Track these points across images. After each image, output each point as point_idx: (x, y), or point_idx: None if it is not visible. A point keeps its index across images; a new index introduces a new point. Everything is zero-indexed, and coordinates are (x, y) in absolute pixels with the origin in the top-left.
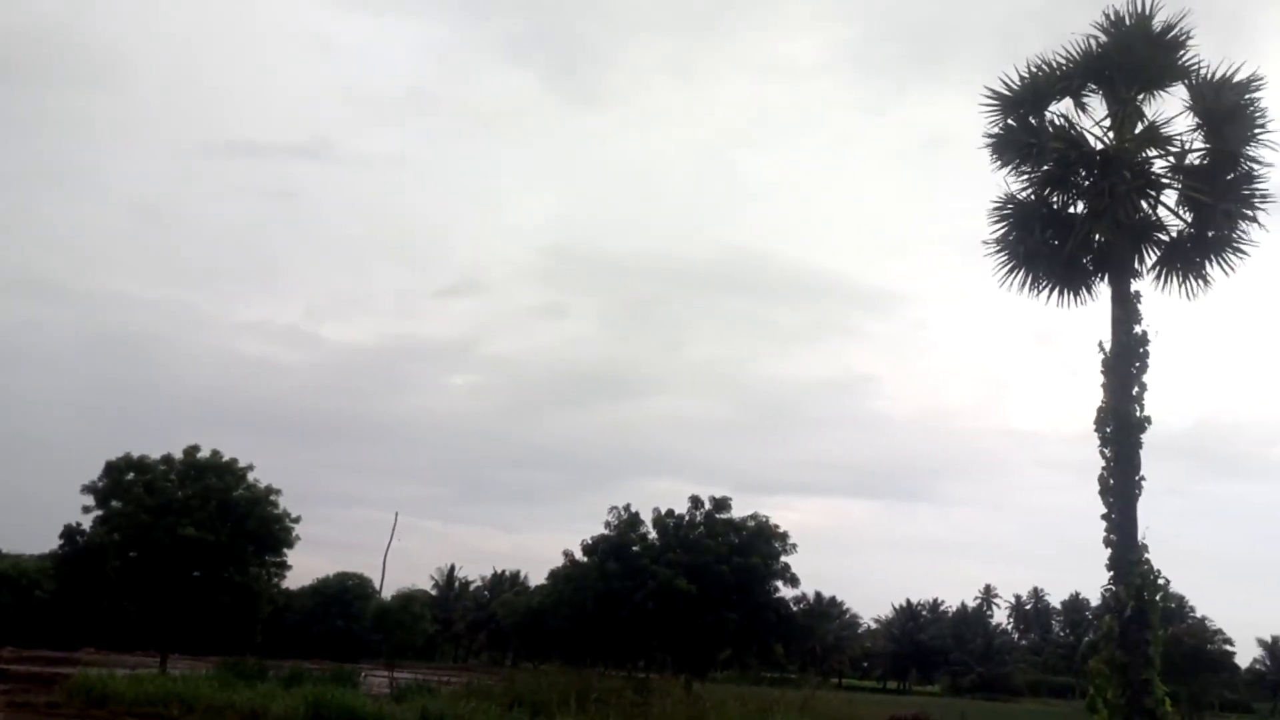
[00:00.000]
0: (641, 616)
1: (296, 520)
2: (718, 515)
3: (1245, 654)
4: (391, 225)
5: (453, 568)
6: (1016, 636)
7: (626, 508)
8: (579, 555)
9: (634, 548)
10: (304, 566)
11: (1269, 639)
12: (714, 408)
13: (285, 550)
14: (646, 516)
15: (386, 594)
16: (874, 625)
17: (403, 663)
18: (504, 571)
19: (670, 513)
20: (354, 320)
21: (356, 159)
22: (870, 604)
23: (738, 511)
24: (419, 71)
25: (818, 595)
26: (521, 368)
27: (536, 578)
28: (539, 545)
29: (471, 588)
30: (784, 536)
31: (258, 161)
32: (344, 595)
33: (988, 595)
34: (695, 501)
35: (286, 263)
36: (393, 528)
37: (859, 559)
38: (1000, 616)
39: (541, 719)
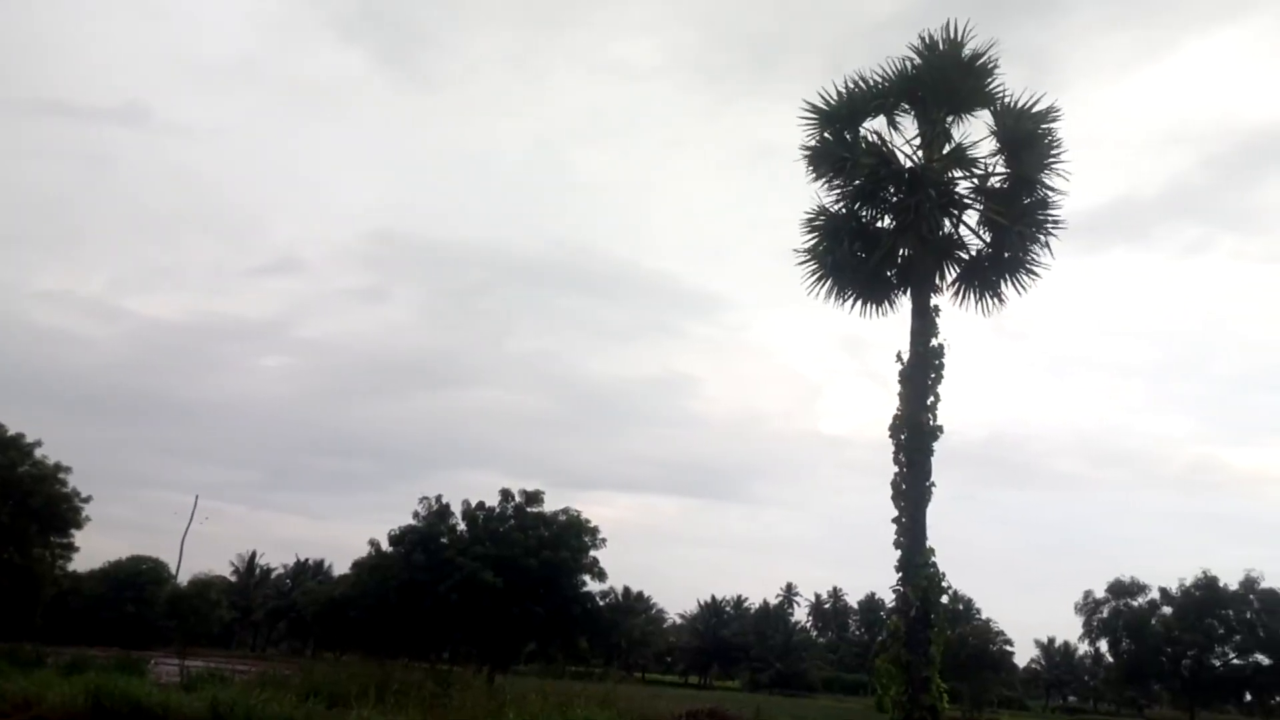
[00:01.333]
0: (446, 608)
1: (87, 500)
2: (529, 509)
3: (1024, 654)
4: (208, 198)
5: (254, 554)
6: (815, 634)
7: (437, 499)
8: (385, 545)
9: (442, 539)
10: (97, 549)
11: (1045, 640)
12: (535, 402)
13: (73, 531)
14: (458, 509)
15: (183, 579)
16: (679, 621)
17: (197, 651)
18: (308, 560)
19: (481, 505)
20: (162, 294)
21: (175, 127)
22: (678, 600)
23: (551, 505)
24: (248, 42)
25: (626, 590)
26: (337, 352)
27: (342, 567)
28: (348, 534)
29: (273, 575)
30: (594, 531)
31: (68, 123)
32: (137, 579)
33: (789, 593)
34: (506, 495)
35: (93, 231)
36: (192, 511)
37: (670, 555)
38: (801, 614)
39: (339, 710)
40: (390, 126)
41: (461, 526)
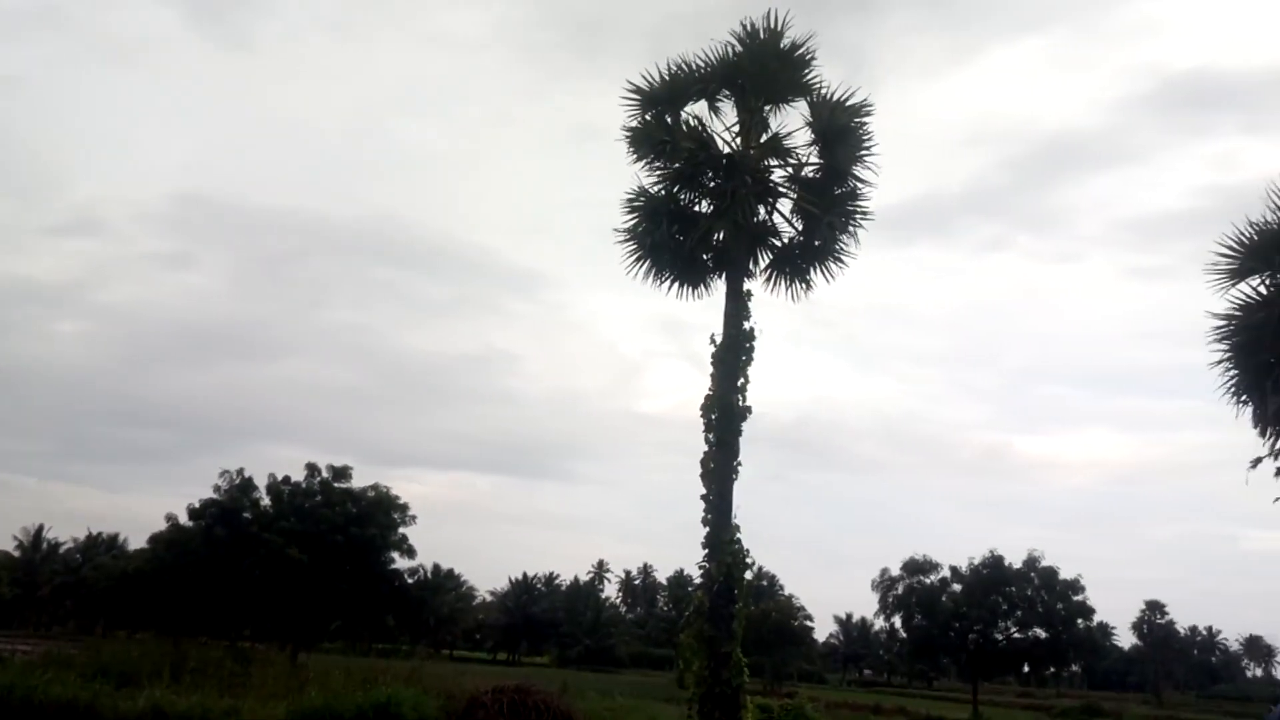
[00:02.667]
0: (248, 585)
1: None
2: (337, 485)
3: (824, 629)
4: (1, 151)
5: (40, 528)
6: (625, 610)
7: (239, 472)
8: (184, 519)
9: (245, 514)
10: None
11: (844, 616)
12: (347, 375)
13: None
14: (263, 483)
15: None
16: (490, 598)
17: None
18: (100, 534)
19: (286, 480)
20: None
21: None
22: (492, 577)
23: (360, 481)
24: None
25: (436, 567)
26: (139, 319)
27: (139, 542)
28: (146, 508)
29: (63, 550)
30: (404, 508)
31: None
32: None
33: (600, 570)
34: (313, 470)
35: None
36: None
37: (484, 533)
38: (611, 591)
39: (129, 690)
40: (203, 86)
41: (266, 501)
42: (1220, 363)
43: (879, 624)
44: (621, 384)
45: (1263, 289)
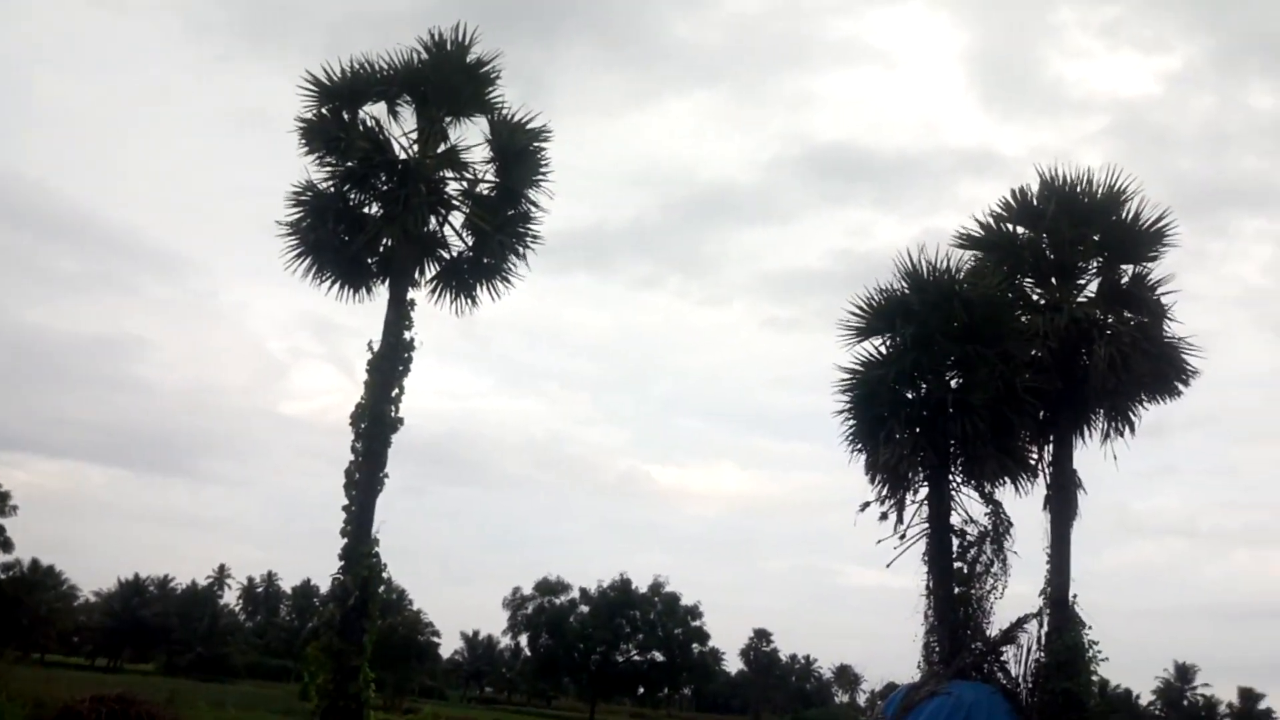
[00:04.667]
0: None
1: None
2: None
3: (451, 645)
4: None
5: None
6: (244, 619)
7: None
8: None
9: None
10: None
11: (471, 633)
12: None
13: None
14: None
15: None
16: (94, 599)
17: None
18: None
19: None
20: None
21: None
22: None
23: None
24: None
25: (35, 563)
26: None
27: None
28: None
29: None
30: (6, 497)
31: None
32: None
33: (222, 575)
34: None
35: None
36: None
37: (97, 528)
38: (232, 598)
39: None
40: None
41: None
42: (842, 412)
43: (505, 641)
44: (265, 383)
45: (884, 348)
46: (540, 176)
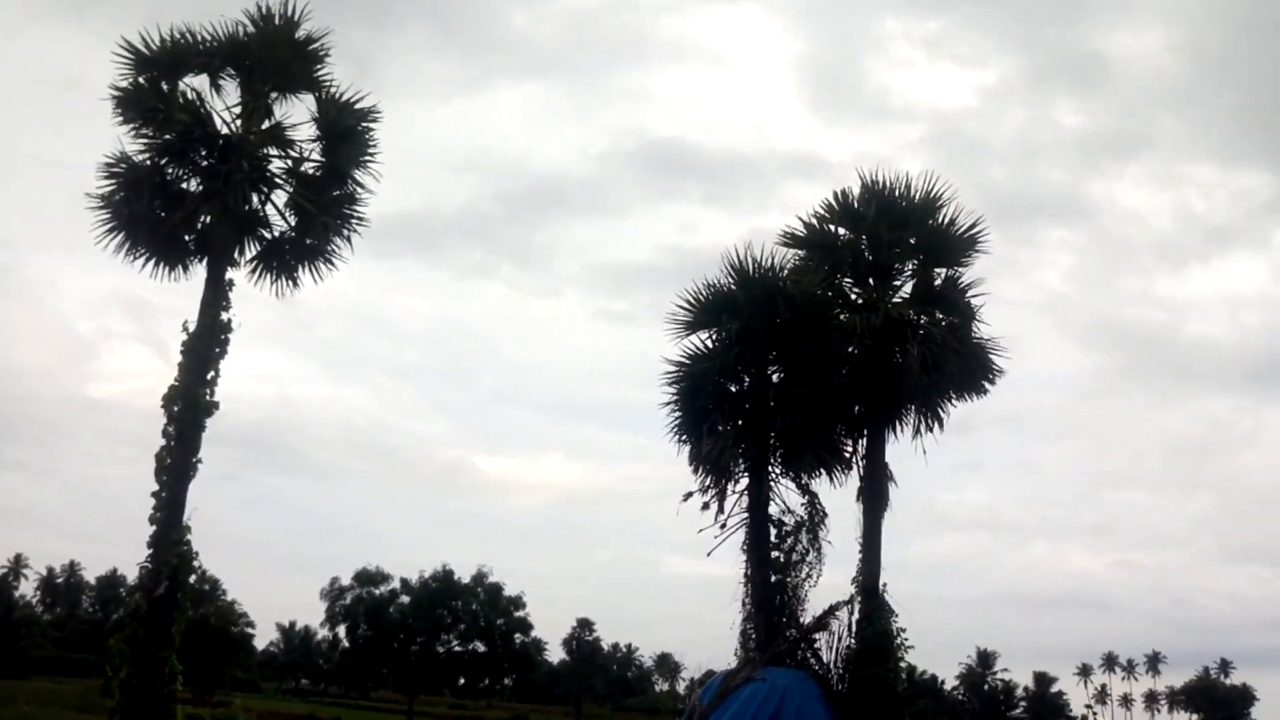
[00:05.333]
0: None
1: None
2: None
3: (267, 636)
4: None
5: None
6: (42, 610)
7: None
8: None
9: None
10: None
11: (287, 624)
12: None
13: None
14: None
15: None
16: None
17: None
18: None
19: None
20: None
21: None
22: None
23: None
24: None
25: None
26: None
27: None
28: None
29: None
30: None
31: None
32: None
33: (17, 565)
34: None
35: None
36: None
37: None
38: (29, 588)
39: None
40: None
41: None
42: (668, 404)
43: (323, 633)
44: (72, 364)
45: (710, 342)
46: (368, 157)
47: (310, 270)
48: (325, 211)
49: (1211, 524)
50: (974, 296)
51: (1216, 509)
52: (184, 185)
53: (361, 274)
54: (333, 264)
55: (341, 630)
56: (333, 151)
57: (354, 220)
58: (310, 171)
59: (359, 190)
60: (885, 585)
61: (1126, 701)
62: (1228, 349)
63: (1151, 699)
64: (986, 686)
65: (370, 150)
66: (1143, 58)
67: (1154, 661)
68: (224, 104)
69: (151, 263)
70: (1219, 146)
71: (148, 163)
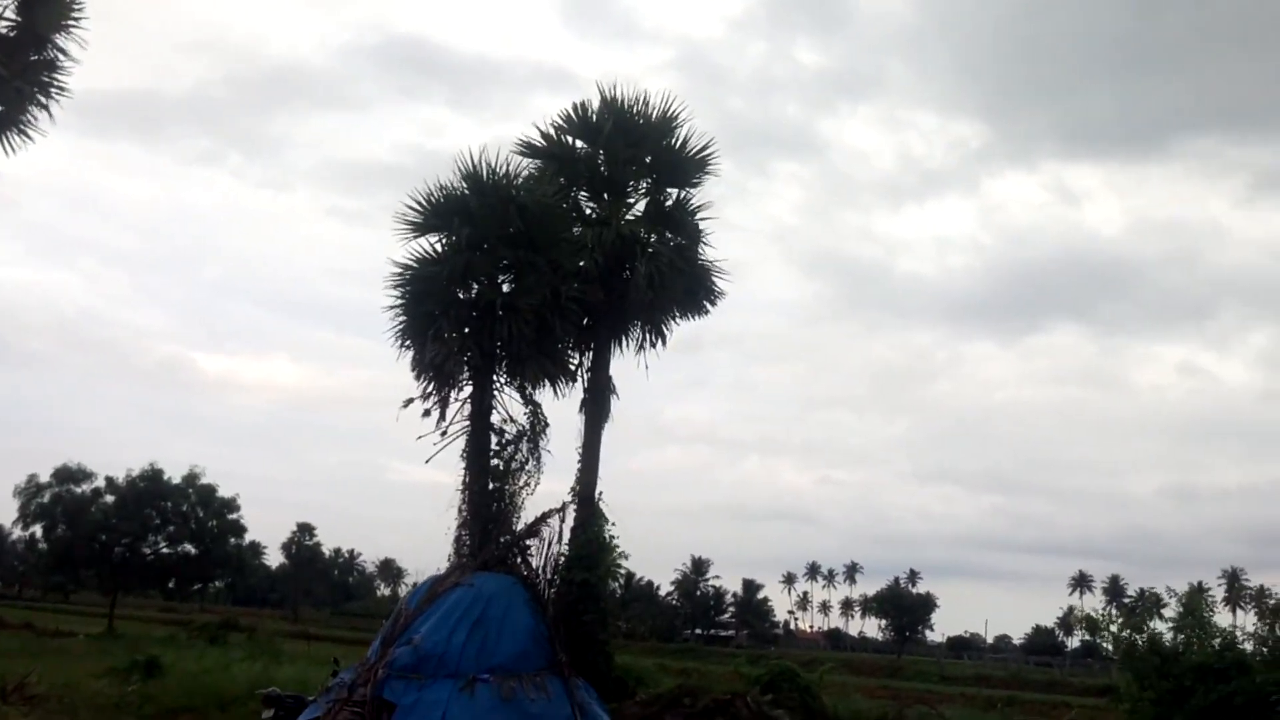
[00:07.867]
0: None
1: None
2: None
3: None
4: None
5: None
6: None
7: None
8: None
9: None
10: None
11: None
12: None
13: None
14: None
15: None
16: None
17: None
18: None
19: None
20: None
21: None
22: None
23: None
24: None
25: None
26: None
27: None
28: None
29: None
30: None
31: None
32: None
33: None
34: None
35: None
36: None
37: None
38: None
39: None
40: None
41: None
42: (394, 308)
43: (18, 533)
44: None
45: (440, 246)
46: (70, 22)
47: (4, 141)
48: (20, 77)
49: (908, 446)
50: (703, 219)
51: (914, 431)
52: None
53: (76, 153)
54: (28, 136)
55: (38, 530)
56: (29, 11)
57: (54, 89)
58: (4, 32)
59: (60, 57)
60: (601, 494)
61: (825, 608)
62: (933, 286)
63: (847, 605)
64: (699, 592)
65: (74, 13)
66: (881, 1)
67: (852, 571)
68: None
69: None
70: (940, 95)
71: None
